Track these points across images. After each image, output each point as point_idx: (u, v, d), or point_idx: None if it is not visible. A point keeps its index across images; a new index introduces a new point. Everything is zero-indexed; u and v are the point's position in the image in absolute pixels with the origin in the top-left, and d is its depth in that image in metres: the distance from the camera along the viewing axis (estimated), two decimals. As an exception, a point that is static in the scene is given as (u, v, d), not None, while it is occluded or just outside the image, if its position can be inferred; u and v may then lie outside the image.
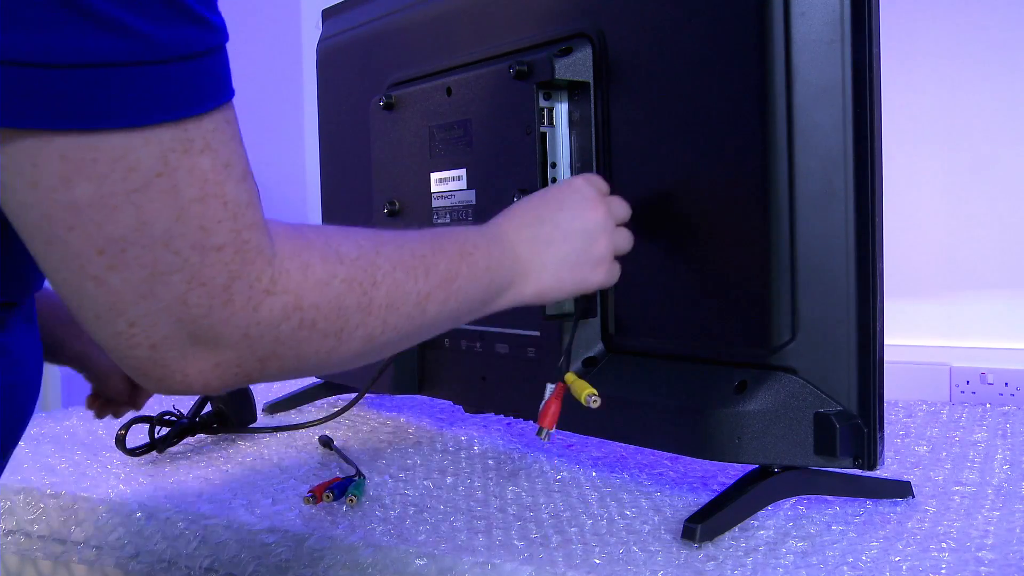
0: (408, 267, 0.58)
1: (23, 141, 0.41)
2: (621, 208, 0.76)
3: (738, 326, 0.73)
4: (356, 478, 0.84)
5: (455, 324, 0.65)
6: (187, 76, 0.44)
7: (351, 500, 0.79)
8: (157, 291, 0.45)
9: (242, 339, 0.47)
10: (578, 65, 0.83)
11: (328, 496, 0.80)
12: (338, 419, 1.12)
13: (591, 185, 0.75)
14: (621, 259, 0.78)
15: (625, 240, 0.76)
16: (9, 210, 0.44)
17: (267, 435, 1.07)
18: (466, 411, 1.05)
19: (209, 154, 0.45)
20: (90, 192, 0.42)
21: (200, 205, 0.44)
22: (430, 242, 0.62)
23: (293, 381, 1.40)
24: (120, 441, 0.97)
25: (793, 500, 0.77)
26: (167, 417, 1.01)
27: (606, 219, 0.73)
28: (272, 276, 0.48)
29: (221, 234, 0.45)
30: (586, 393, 0.72)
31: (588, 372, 0.84)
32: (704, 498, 0.75)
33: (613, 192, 0.80)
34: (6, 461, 0.56)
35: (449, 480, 0.87)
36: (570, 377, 0.74)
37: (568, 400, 0.85)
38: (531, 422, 0.95)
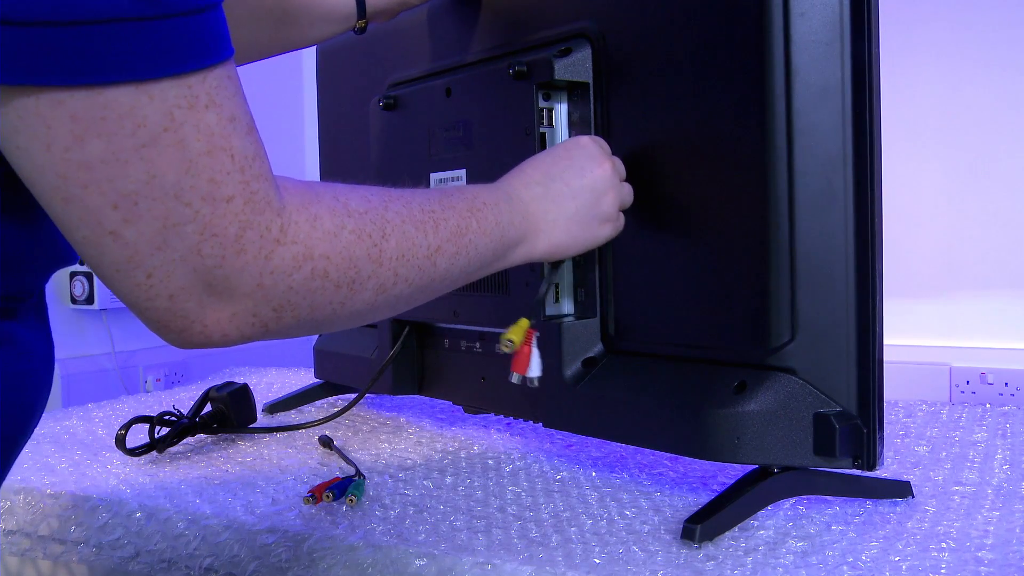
0: (417, 221, 0.60)
1: (35, 104, 0.43)
2: (621, 165, 0.79)
3: (738, 326, 0.73)
4: (356, 478, 0.84)
5: (467, 279, 0.66)
6: (190, 31, 0.45)
7: (351, 500, 0.79)
8: (171, 242, 0.46)
9: (256, 288, 0.49)
10: (578, 66, 0.83)
11: (328, 496, 0.80)
12: (338, 419, 1.12)
13: (596, 143, 0.77)
14: (621, 259, 0.78)
15: (628, 194, 0.79)
16: (26, 175, 0.45)
17: (267, 435, 1.08)
18: (466, 411, 1.05)
19: (214, 109, 0.46)
20: (101, 149, 0.44)
21: (208, 158, 0.46)
22: (439, 198, 0.64)
23: (293, 380, 1.40)
24: (120, 441, 0.97)
25: (793, 500, 0.77)
26: (167, 417, 1.01)
27: (612, 175, 0.76)
28: (282, 226, 0.50)
29: (230, 185, 0.47)
30: (506, 337, 0.74)
31: (588, 372, 0.84)
32: (704, 498, 0.75)
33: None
34: (17, 454, 0.57)
35: (449, 480, 0.87)
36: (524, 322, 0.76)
37: (569, 400, 0.85)
38: (531, 422, 0.95)
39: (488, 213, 0.67)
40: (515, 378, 0.77)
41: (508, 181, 0.73)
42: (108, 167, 0.44)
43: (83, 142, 0.43)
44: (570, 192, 0.73)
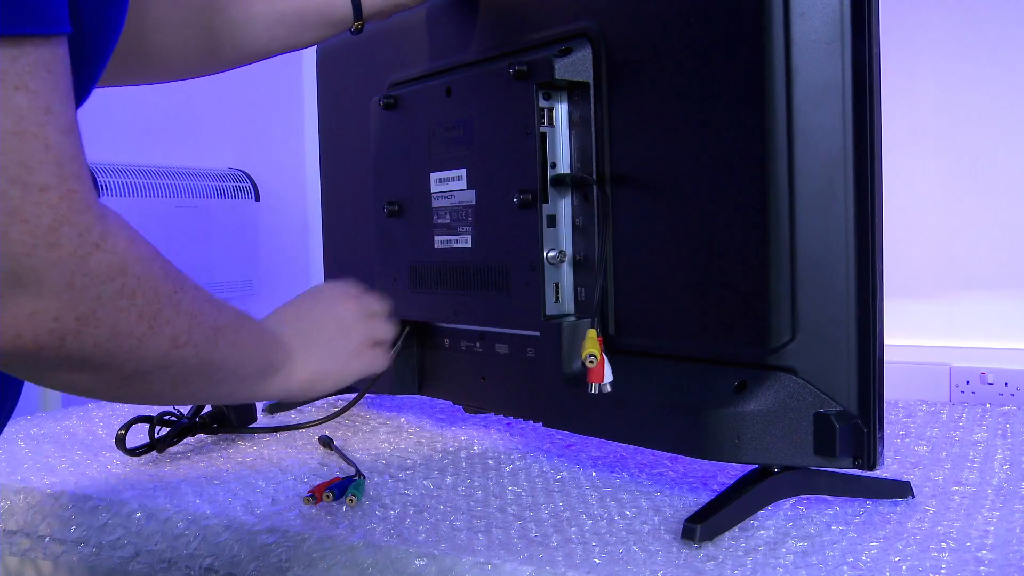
0: (205, 295, 0.59)
1: None
2: (375, 302, 0.83)
3: (738, 326, 0.73)
4: (356, 478, 0.84)
5: (236, 386, 0.65)
6: None
7: (351, 500, 0.79)
8: None
9: (65, 287, 0.47)
10: (578, 65, 0.83)
11: (328, 496, 0.80)
12: (338, 419, 1.12)
13: (338, 286, 0.83)
14: (621, 259, 0.78)
15: (384, 331, 0.82)
16: None
17: (267, 435, 1.07)
18: (466, 411, 1.05)
19: (25, 92, 0.44)
20: None
21: (17, 139, 0.44)
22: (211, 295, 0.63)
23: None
24: (120, 441, 0.97)
25: (793, 500, 0.77)
26: (167, 417, 1.01)
27: (357, 312, 0.80)
28: (102, 232, 0.48)
29: (43, 175, 0.45)
30: (587, 352, 0.76)
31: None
32: (704, 498, 0.75)
33: (617, 193, 0.81)
34: None
35: (449, 480, 0.87)
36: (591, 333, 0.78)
37: (569, 400, 0.85)
38: (531, 422, 0.95)
39: (254, 325, 0.67)
40: (593, 388, 0.76)
41: (263, 321, 0.74)
42: None
43: None
44: (317, 328, 0.76)
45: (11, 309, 0.46)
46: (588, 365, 0.76)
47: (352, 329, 0.79)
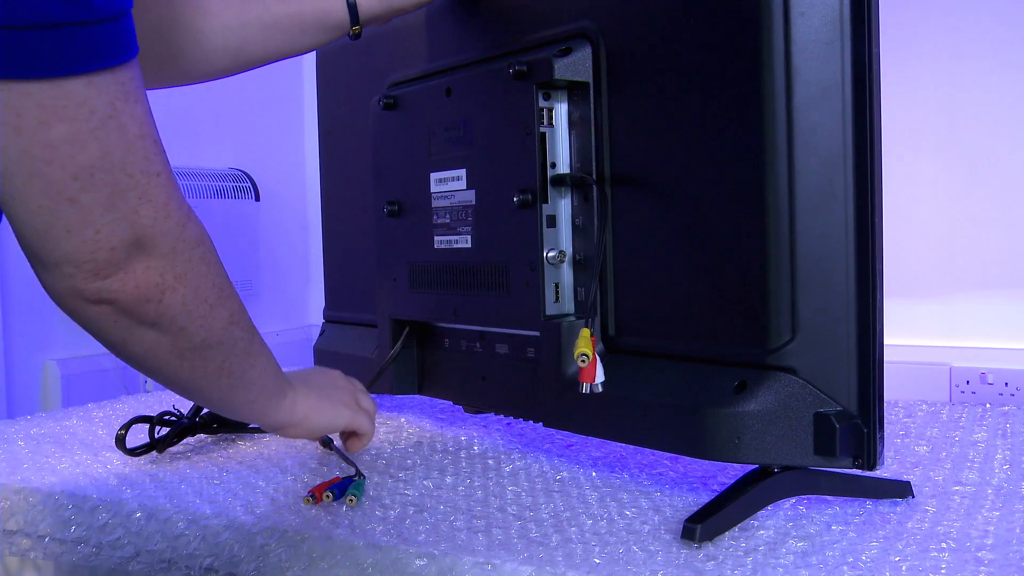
0: (241, 307, 0.71)
1: (7, 96, 0.52)
2: (365, 399, 0.94)
3: (738, 326, 0.73)
4: (356, 478, 0.84)
5: (254, 396, 0.76)
6: (116, 33, 0.54)
7: (351, 500, 0.79)
8: (117, 204, 0.56)
9: (171, 251, 0.60)
10: (578, 65, 0.83)
11: (328, 496, 0.80)
12: (338, 419, 1.12)
13: (329, 369, 0.96)
14: (621, 259, 0.77)
15: (368, 401, 0.94)
16: None
17: (267, 435, 1.07)
18: (466, 411, 1.05)
19: (140, 102, 0.57)
20: (64, 131, 0.53)
21: (142, 140, 0.57)
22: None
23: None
24: (120, 441, 0.97)
25: (793, 500, 0.77)
26: (167, 417, 1.01)
27: (346, 380, 0.93)
28: (189, 208, 0.62)
29: (157, 163, 0.58)
30: (579, 352, 0.77)
31: (588, 372, 0.84)
32: (704, 498, 0.75)
33: (616, 193, 0.81)
34: None
35: (449, 480, 0.87)
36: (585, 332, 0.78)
37: (569, 400, 0.85)
38: (531, 422, 0.95)
39: (265, 349, 0.76)
40: (585, 388, 0.76)
41: None
42: (70, 146, 0.53)
43: (49, 126, 0.53)
44: (314, 380, 0.89)
45: (134, 264, 0.59)
46: (580, 364, 0.76)
47: (343, 388, 0.91)
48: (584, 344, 0.76)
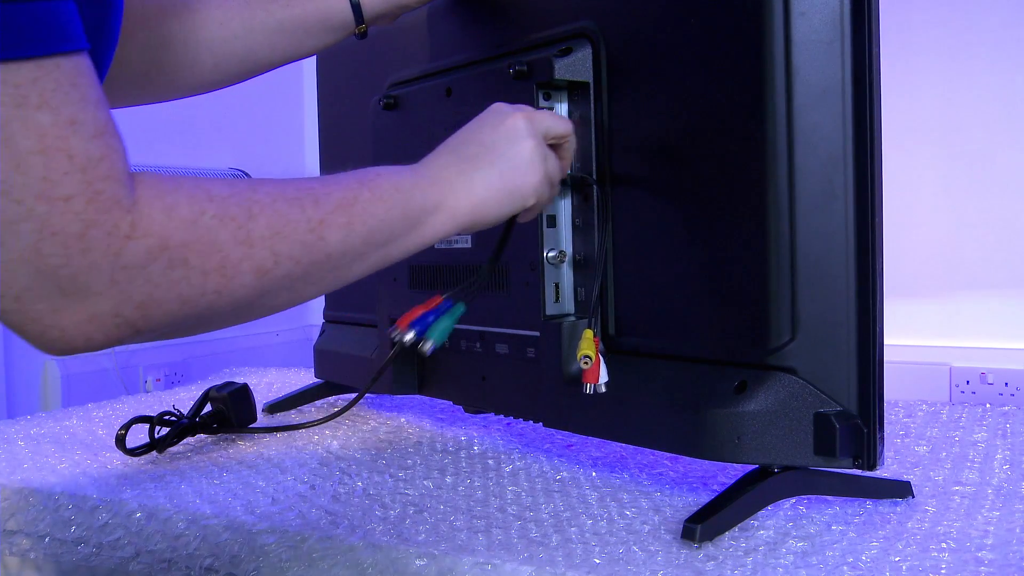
0: (291, 199, 0.58)
1: None
2: (550, 118, 0.76)
3: (738, 326, 0.73)
4: (453, 304, 0.73)
5: (381, 253, 0.64)
6: (16, 19, 0.44)
7: (423, 345, 0.70)
8: (7, 241, 0.45)
9: (110, 285, 0.48)
10: (578, 65, 0.83)
11: (409, 332, 0.71)
12: (338, 419, 1.12)
13: (506, 104, 0.75)
14: (621, 259, 0.77)
15: (554, 163, 0.75)
16: None
17: (267, 435, 1.08)
18: (466, 411, 1.05)
19: (48, 111, 0.45)
20: None
21: (40, 157, 0.45)
22: (321, 178, 0.62)
23: (293, 380, 1.40)
24: (120, 441, 0.97)
25: (793, 500, 0.77)
26: (167, 417, 1.01)
27: (527, 124, 0.73)
28: (131, 222, 0.49)
29: (68, 186, 0.46)
30: (582, 353, 0.75)
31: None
32: (704, 498, 0.75)
33: (617, 193, 0.81)
34: None
35: (449, 480, 0.87)
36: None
37: (569, 400, 0.85)
38: (531, 422, 0.95)
39: (383, 181, 0.64)
40: (588, 389, 0.76)
41: (415, 166, 0.71)
42: None
43: None
44: (482, 149, 0.71)
45: (70, 317, 0.47)
46: (583, 367, 0.76)
47: (521, 141, 0.72)
48: (587, 346, 0.76)
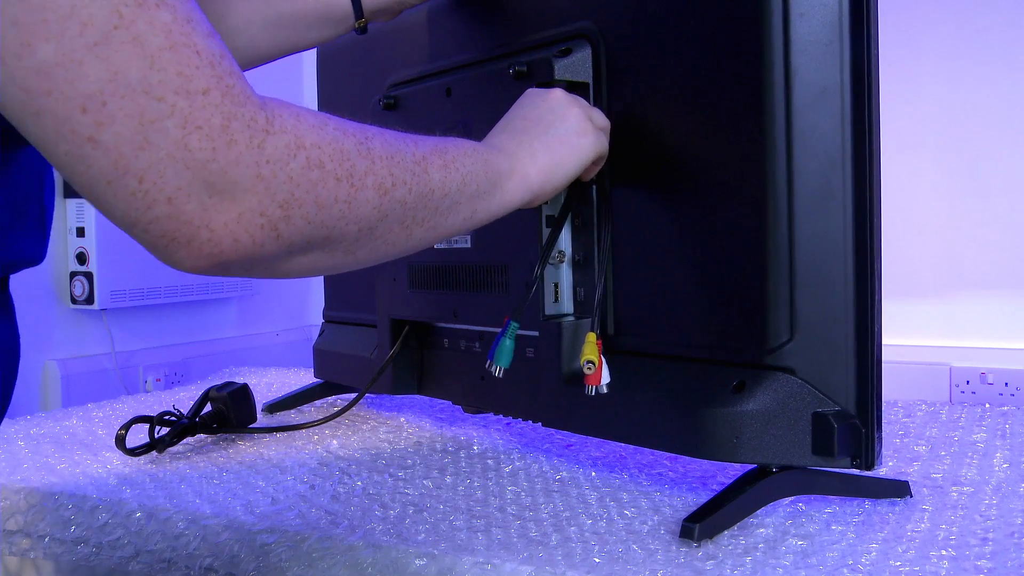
0: (394, 136, 0.60)
1: None
2: (596, 114, 0.80)
3: (736, 326, 0.73)
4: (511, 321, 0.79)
5: (470, 205, 0.66)
6: None
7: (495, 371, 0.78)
8: (153, 139, 0.45)
9: (256, 180, 0.48)
10: (578, 66, 0.83)
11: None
12: (338, 419, 1.12)
13: (538, 87, 0.81)
14: (620, 259, 0.77)
15: (598, 114, 0.80)
16: (7, 110, 0.45)
17: (267, 435, 1.08)
18: (466, 411, 1.05)
19: (166, 8, 0.46)
20: (51, 51, 0.43)
21: (171, 52, 0.45)
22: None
23: (293, 380, 1.40)
24: (120, 441, 0.97)
25: (792, 499, 0.77)
26: (167, 417, 1.01)
27: (565, 97, 0.78)
28: (267, 117, 0.49)
29: (202, 79, 0.46)
30: (585, 359, 0.77)
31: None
32: (703, 498, 0.75)
33: (616, 194, 0.81)
34: None
35: (449, 480, 0.87)
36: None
37: (568, 400, 0.85)
38: (531, 422, 0.95)
39: (462, 142, 0.67)
40: (591, 391, 0.77)
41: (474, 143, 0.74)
42: (64, 70, 0.43)
43: (32, 48, 0.43)
44: (532, 123, 0.75)
45: (218, 217, 0.48)
46: (586, 371, 0.76)
47: (567, 111, 0.76)
48: (591, 351, 0.76)
